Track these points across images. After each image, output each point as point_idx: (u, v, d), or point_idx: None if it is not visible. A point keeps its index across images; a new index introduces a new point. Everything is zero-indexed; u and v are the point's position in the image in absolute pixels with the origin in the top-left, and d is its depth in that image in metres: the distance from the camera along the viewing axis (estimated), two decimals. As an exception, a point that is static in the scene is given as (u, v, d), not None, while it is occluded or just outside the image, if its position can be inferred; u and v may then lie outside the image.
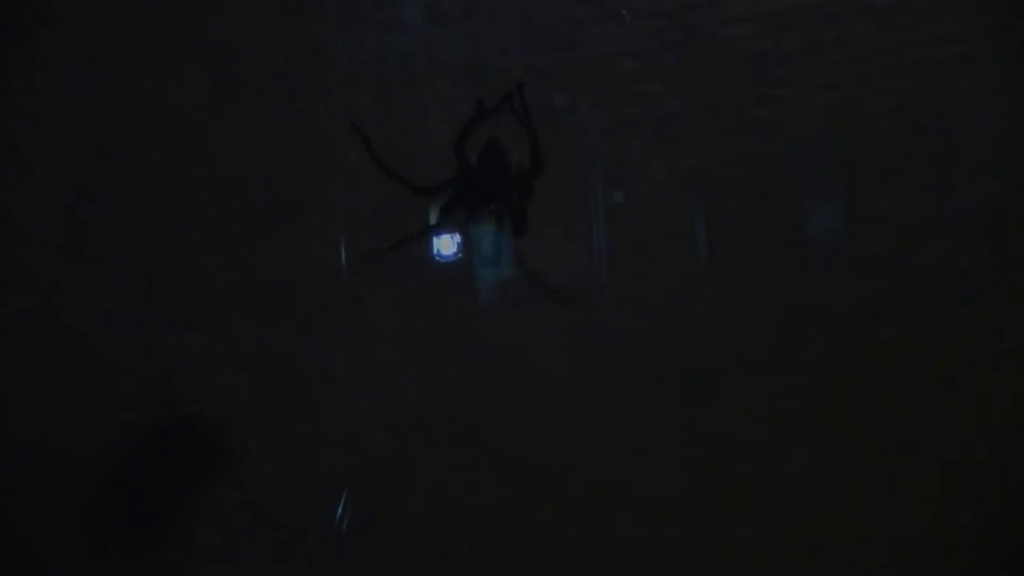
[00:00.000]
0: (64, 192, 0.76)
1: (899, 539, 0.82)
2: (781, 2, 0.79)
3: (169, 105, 0.77)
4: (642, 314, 0.80)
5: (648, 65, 0.79)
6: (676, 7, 0.78)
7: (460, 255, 0.78)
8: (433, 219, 0.74)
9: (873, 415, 0.81)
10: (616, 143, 0.79)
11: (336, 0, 0.75)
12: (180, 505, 0.77)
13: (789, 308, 0.81)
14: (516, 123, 0.76)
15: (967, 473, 0.81)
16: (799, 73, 0.79)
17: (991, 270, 0.81)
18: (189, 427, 0.76)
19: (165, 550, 0.77)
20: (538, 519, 0.80)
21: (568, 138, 0.78)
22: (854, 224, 0.81)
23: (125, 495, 0.76)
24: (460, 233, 0.77)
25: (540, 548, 0.80)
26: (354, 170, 0.77)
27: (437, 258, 0.78)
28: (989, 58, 0.80)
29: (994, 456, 0.81)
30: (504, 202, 0.74)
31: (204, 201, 0.77)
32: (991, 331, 0.81)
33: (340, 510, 0.78)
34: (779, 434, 0.81)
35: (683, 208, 0.80)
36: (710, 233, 0.80)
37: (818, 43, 0.79)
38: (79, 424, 0.77)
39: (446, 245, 0.77)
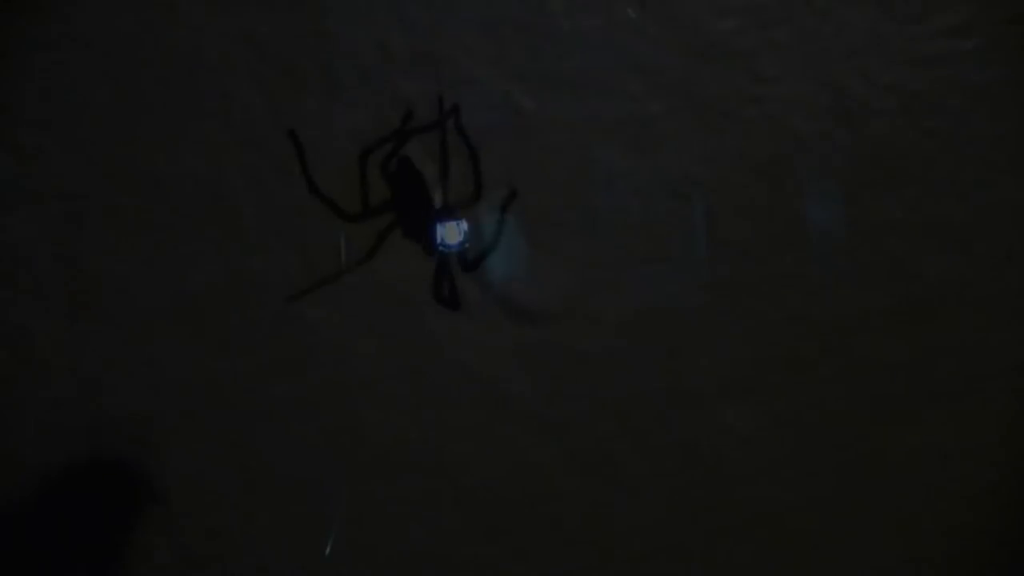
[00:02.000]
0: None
1: (888, 564, 0.75)
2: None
3: (94, 111, 0.71)
4: (618, 333, 0.74)
5: (628, 62, 0.73)
6: (658, -1, 0.72)
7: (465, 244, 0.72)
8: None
9: (863, 436, 0.75)
10: (593, 146, 0.73)
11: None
12: (101, 535, 0.71)
13: (781, 324, 0.74)
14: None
15: (962, 495, 0.75)
16: (792, 70, 0.73)
17: (1000, 282, 0.74)
18: (113, 453, 0.71)
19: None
20: (504, 554, 0.74)
21: (538, 142, 0.72)
22: (853, 233, 0.74)
23: (42, 525, 0.71)
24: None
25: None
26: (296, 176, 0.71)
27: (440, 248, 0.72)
28: (1002, 53, 0.73)
29: (994, 480, 0.75)
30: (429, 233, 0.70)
31: (131, 211, 0.71)
32: (994, 346, 0.74)
33: (287, 543, 0.72)
34: (764, 457, 0.75)
35: (666, 217, 0.74)
36: (696, 244, 0.74)
37: (812, 37, 0.73)
38: None
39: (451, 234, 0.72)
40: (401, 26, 0.71)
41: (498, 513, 0.74)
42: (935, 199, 0.74)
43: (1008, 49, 0.73)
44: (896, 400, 0.75)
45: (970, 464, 0.75)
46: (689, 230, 0.74)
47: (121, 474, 0.71)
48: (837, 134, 0.74)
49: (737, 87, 0.73)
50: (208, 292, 0.71)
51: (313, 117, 0.71)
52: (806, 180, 0.74)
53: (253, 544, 0.72)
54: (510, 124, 0.72)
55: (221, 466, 0.72)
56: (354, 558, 0.73)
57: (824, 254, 0.74)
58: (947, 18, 0.73)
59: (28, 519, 0.71)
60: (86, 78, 0.71)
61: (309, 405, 0.72)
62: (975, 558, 0.76)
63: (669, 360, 0.75)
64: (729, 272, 0.74)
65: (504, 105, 0.72)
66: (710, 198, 0.74)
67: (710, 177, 0.73)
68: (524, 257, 0.73)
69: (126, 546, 0.71)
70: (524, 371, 0.74)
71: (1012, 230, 0.75)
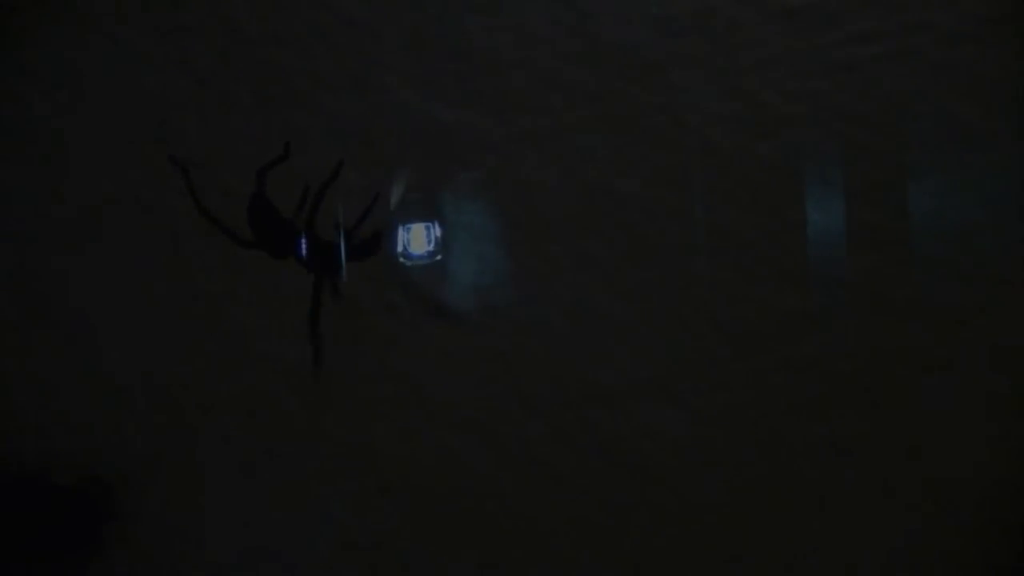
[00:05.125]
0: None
1: (813, 564, 0.77)
2: (684, 5, 0.75)
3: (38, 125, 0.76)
4: (541, 336, 0.76)
5: (544, 75, 0.76)
6: (574, 12, 0.75)
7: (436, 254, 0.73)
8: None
9: (790, 434, 0.77)
10: (511, 157, 0.76)
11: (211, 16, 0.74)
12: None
13: (697, 327, 0.76)
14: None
15: (876, 487, 0.76)
16: (703, 80, 0.75)
17: (920, 283, 0.76)
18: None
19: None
20: (432, 546, 0.77)
21: (460, 154, 0.75)
22: (767, 236, 0.76)
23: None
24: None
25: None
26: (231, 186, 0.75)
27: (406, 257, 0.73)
28: (913, 58, 0.75)
29: (930, 474, 0.76)
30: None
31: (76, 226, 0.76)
32: (905, 345, 0.76)
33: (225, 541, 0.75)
34: (688, 457, 0.77)
35: (585, 223, 0.76)
36: (615, 248, 0.76)
37: (723, 48, 0.75)
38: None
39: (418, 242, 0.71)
40: (330, 51, 0.75)
41: (423, 506, 0.77)
42: (848, 202, 0.76)
43: (919, 54, 0.75)
44: (803, 396, 0.77)
45: (880, 456, 0.76)
46: (605, 236, 0.76)
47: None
48: (748, 141, 0.76)
49: (650, 98, 0.76)
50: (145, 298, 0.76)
51: (245, 138, 0.75)
52: (718, 185, 0.76)
53: (209, 539, 0.76)
54: (431, 136, 0.75)
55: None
56: (294, 544, 0.77)
57: (739, 258, 0.76)
58: (857, 26, 0.75)
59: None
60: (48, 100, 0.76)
61: (246, 407, 0.76)
62: (890, 542, 0.77)
63: (590, 362, 0.77)
64: (646, 276, 0.76)
65: (424, 118, 0.75)
66: (626, 204, 0.76)
67: (625, 183, 0.76)
68: (449, 263, 0.76)
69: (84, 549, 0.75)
70: (448, 373, 0.77)
71: (924, 232, 0.76)
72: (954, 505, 0.76)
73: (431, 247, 0.68)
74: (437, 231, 0.69)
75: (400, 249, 0.70)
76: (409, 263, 0.71)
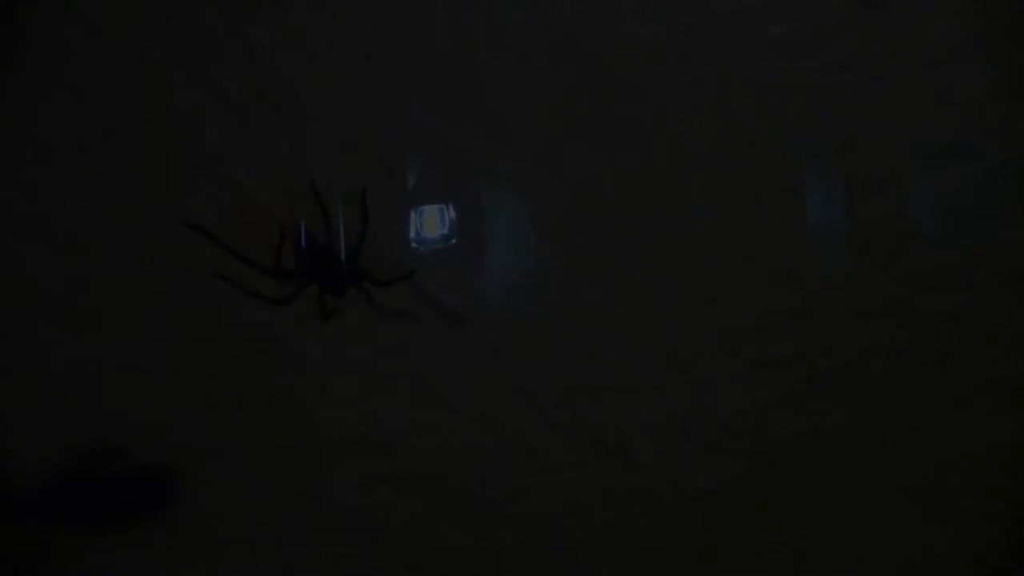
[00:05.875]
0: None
1: (799, 553, 0.85)
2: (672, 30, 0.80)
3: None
4: (539, 335, 0.84)
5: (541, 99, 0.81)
6: (563, 37, 0.80)
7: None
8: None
9: (773, 430, 0.84)
10: (511, 171, 0.82)
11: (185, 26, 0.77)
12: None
13: (681, 327, 0.84)
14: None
15: (848, 477, 0.84)
16: (692, 103, 0.81)
17: (880, 289, 0.83)
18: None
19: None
20: (439, 533, 0.85)
21: (466, 174, 0.81)
22: (748, 242, 0.83)
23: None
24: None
25: (440, 562, 0.85)
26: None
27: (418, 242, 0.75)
28: (885, 83, 0.81)
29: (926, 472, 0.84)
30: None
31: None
32: (874, 344, 0.83)
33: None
34: (674, 451, 0.84)
35: (577, 231, 0.83)
36: (604, 256, 0.83)
37: (711, 74, 0.81)
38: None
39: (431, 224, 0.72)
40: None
41: (431, 495, 0.85)
42: (827, 209, 0.83)
43: (891, 80, 0.81)
44: (790, 392, 0.84)
45: (855, 449, 0.84)
46: (596, 244, 0.83)
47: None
48: (730, 158, 0.82)
49: (640, 120, 0.82)
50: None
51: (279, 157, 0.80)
52: (706, 195, 0.83)
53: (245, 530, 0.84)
54: (441, 155, 0.80)
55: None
56: (308, 534, 0.85)
57: (725, 261, 0.83)
58: (832, 54, 0.81)
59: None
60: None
61: (265, 403, 0.83)
62: (877, 537, 0.85)
63: (580, 357, 0.84)
64: (643, 280, 0.84)
65: (433, 139, 0.80)
66: (618, 216, 0.83)
67: (619, 196, 0.82)
68: (459, 270, 0.82)
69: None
70: (455, 368, 0.84)
71: (890, 239, 0.83)
72: (947, 501, 0.84)
73: (445, 230, 0.69)
74: (451, 213, 0.69)
75: (413, 234, 0.71)
76: (423, 248, 0.74)
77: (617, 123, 0.81)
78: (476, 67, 0.80)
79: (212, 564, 0.83)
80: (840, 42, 0.81)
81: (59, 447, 0.81)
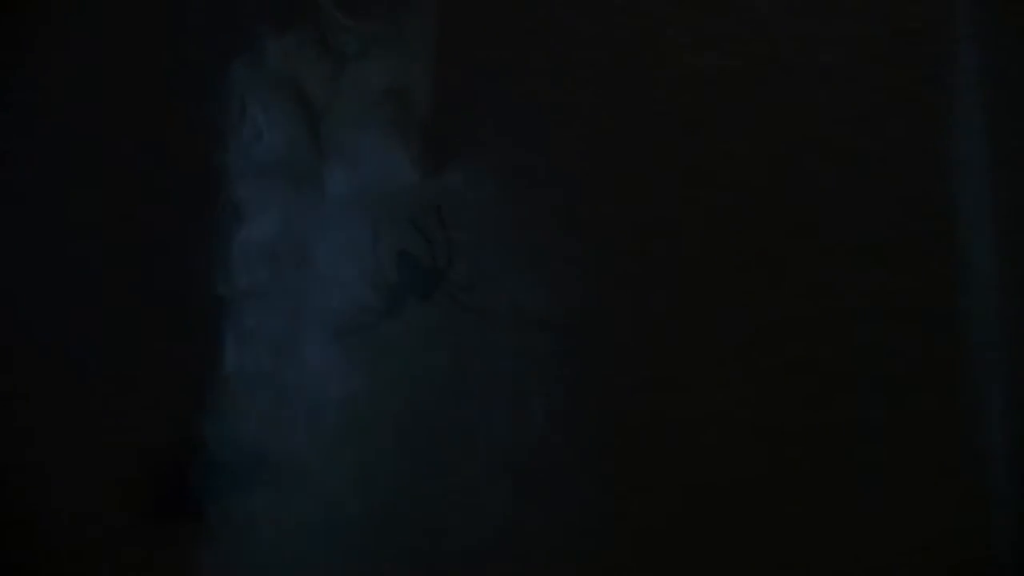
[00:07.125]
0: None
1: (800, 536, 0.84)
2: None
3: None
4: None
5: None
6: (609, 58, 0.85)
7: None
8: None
9: (792, 425, 0.85)
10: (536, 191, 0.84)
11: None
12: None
13: (681, 330, 0.85)
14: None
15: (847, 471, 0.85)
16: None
17: (868, 291, 0.85)
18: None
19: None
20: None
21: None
22: (764, 244, 0.86)
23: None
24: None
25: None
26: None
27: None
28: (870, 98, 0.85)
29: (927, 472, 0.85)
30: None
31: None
32: (861, 343, 0.85)
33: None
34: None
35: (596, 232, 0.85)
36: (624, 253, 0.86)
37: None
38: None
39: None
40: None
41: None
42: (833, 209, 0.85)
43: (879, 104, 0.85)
44: (804, 392, 0.85)
45: (859, 446, 0.84)
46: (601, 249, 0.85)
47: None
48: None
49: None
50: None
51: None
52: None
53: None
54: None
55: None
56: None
57: (741, 263, 0.86)
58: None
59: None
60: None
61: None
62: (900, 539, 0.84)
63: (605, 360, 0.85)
64: (659, 282, 0.86)
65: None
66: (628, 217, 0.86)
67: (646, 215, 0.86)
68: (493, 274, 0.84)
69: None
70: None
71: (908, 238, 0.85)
72: (952, 503, 0.84)
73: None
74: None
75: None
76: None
77: (628, 125, 0.85)
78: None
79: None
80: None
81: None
